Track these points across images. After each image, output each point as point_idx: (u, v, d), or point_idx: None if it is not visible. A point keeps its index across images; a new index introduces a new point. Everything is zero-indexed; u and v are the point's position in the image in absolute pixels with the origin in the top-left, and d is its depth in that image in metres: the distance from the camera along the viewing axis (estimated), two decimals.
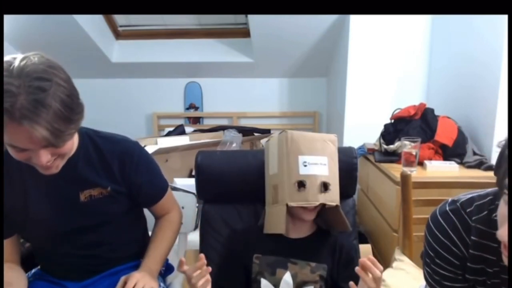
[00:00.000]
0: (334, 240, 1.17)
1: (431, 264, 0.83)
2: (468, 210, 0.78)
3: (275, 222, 1.12)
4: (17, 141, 0.84)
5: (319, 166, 1.11)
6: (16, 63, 0.82)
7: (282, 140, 1.12)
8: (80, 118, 0.90)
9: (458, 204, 0.80)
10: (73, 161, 1.03)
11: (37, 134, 0.81)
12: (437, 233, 0.81)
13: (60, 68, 0.89)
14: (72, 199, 1.05)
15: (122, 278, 1.05)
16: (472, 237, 0.76)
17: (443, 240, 0.80)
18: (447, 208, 0.81)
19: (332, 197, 1.11)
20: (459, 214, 0.78)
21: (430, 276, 0.85)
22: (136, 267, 1.16)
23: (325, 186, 1.09)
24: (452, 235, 0.78)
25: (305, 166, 1.10)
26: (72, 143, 0.96)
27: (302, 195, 1.08)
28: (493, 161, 1.23)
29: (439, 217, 0.81)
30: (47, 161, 0.89)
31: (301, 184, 1.08)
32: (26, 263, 1.17)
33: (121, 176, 1.09)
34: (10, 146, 0.86)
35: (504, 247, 0.62)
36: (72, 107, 0.86)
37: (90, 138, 1.07)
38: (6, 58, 0.84)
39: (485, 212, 0.75)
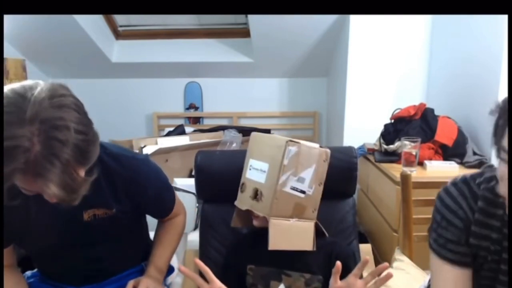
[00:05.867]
0: (329, 248, 1.10)
1: (437, 228, 0.88)
2: (477, 180, 0.83)
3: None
4: (29, 189, 0.79)
5: (258, 172, 1.07)
6: (28, 107, 0.72)
7: (250, 140, 1.15)
8: (95, 153, 0.83)
9: (468, 176, 0.86)
10: None
11: (49, 192, 0.75)
12: (445, 198, 0.86)
13: (73, 103, 0.79)
14: (75, 218, 1.02)
15: (131, 282, 1.05)
16: (479, 203, 0.81)
17: (450, 204, 0.85)
18: (458, 180, 0.87)
19: (262, 207, 1.04)
20: (468, 184, 0.84)
21: (435, 242, 0.89)
22: (139, 271, 1.16)
23: (255, 193, 1.05)
24: (459, 200, 0.83)
25: (250, 169, 1.09)
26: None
27: (241, 196, 1.11)
28: (493, 161, 1.23)
29: (449, 186, 0.87)
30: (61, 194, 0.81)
31: (241, 186, 1.11)
32: (24, 264, 1.17)
33: (127, 196, 1.05)
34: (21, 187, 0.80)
35: (504, 199, 0.70)
36: (87, 149, 0.79)
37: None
38: (9, 92, 0.75)
39: (494, 182, 0.79)
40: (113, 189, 1.03)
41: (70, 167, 0.75)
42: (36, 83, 0.78)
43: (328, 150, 1.10)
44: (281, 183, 1.02)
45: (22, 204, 0.97)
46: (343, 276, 1.08)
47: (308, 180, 1.05)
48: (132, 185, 1.04)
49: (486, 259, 0.83)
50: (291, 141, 1.03)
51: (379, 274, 0.91)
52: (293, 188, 1.04)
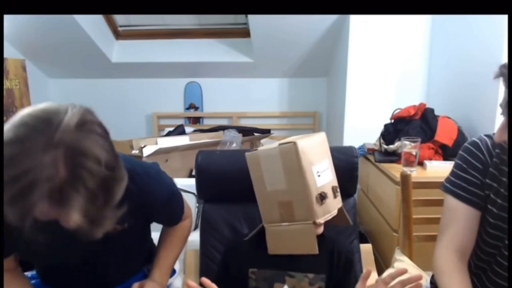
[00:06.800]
0: (331, 246, 1.10)
1: (458, 171, 1.01)
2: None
3: (301, 242, 1.04)
4: (45, 216, 0.70)
5: (326, 171, 1.04)
6: (56, 133, 0.66)
7: (291, 153, 0.99)
8: (120, 193, 0.76)
9: (492, 133, 1.00)
10: None
11: (70, 221, 0.68)
12: (469, 147, 1.00)
13: (103, 132, 0.73)
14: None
15: (135, 285, 1.05)
16: (496, 150, 0.96)
17: (472, 150, 0.99)
18: (482, 134, 1.01)
19: (339, 199, 1.08)
20: (489, 137, 1.00)
21: (452, 183, 1.02)
22: (140, 277, 1.16)
23: (335, 191, 1.06)
24: (481, 146, 0.98)
25: (319, 176, 1.02)
26: None
27: (324, 207, 1.02)
28: None
29: (474, 138, 1.01)
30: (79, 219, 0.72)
31: (323, 197, 1.01)
32: (25, 264, 1.16)
33: (139, 212, 1.02)
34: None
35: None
36: (113, 187, 0.73)
37: None
38: (29, 119, 0.67)
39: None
40: (125, 204, 1.01)
41: (95, 198, 0.69)
42: (60, 107, 0.70)
43: None
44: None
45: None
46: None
47: None
48: (145, 203, 1.02)
49: (495, 203, 0.95)
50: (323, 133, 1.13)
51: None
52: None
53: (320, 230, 1.05)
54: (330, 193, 1.04)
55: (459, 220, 0.98)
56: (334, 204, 1.05)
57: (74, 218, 0.67)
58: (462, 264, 0.96)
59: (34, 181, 0.63)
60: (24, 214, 0.66)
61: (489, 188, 0.96)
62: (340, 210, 1.09)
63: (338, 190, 1.08)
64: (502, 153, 0.95)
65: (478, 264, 1.02)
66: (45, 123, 0.66)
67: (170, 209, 1.12)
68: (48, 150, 0.64)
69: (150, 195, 1.02)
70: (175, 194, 1.13)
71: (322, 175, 1.03)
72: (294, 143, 0.99)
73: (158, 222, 1.17)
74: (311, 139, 1.05)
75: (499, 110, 1.67)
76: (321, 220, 1.01)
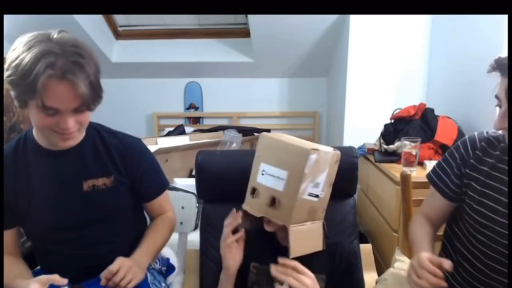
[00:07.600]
0: (333, 246, 1.10)
1: (443, 163, 1.12)
2: (491, 131, 1.05)
3: None
4: (54, 98, 0.89)
5: (275, 178, 0.99)
6: (55, 34, 0.92)
7: (259, 142, 1.06)
8: (102, 97, 0.98)
9: (485, 131, 1.08)
10: (80, 149, 1.07)
11: (78, 89, 0.89)
12: (458, 143, 1.10)
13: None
14: (75, 188, 1.07)
15: (104, 272, 1.05)
16: (482, 143, 1.04)
17: (459, 146, 1.09)
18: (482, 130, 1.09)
19: (280, 215, 1.00)
20: (482, 133, 1.07)
21: (435, 174, 1.14)
22: None
23: (272, 201, 1.00)
24: (467, 142, 1.07)
25: (262, 174, 1.02)
26: (89, 115, 1.01)
27: (253, 201, 1.04)
28: None
29: (466, 136, 1.10)
30: (73, 126, 0.96)
31: (253, 191, 1.04)
32: (26, 263, 1.17)
33: (124, 167, 1.13)
34: (42, 109, 0.90)
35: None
36: (99, 82, 0.96)
37: (96, 130, 1.13)
38: (35, 32, 0.93)
39: (500, 133, 1.01)
40: (112, 160, 1.12)
41: (90, 80, 0.91)
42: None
43: (339, 152, 1.07)
44: (301, 191, 0.98)
45: (24, 180, 1.05)
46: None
47: (322, 184, 1.02)
48: (128, 157, 1.14)
49: (476, 190, 1.03)
50: (313, 149, 0.97)
51: None
52: (310, 194, 1.01)
53: (266, 226, 1.06)
54: (264, 197, 1.01)
55: (434, 205, 1.15)
56: (262, 209, 1.02)
57: (82, 88, 0.89)
58: (431, 225, 1.14)
59: (43, 52, 0.87)
60: (31, 86, 0.86)
61: (468, 177, 1.05)
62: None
63: (281, 206, 0.99)
64: (487, 146, 1.03)
65: (470, 249, 1.04)
66: (42, 33, 0.93)
67: (152, 169, 1.21)
68: (51, 42, 0.90)
69: (132, 149, 1.16)
70: (155, 160, 1.24)
71: (268, 178, 1.00)
72: (265, 132, 1.08)
73: (142, 184, 1.19)
74: (286, 144, 1.00)
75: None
76: (247, 208, 1.05)
